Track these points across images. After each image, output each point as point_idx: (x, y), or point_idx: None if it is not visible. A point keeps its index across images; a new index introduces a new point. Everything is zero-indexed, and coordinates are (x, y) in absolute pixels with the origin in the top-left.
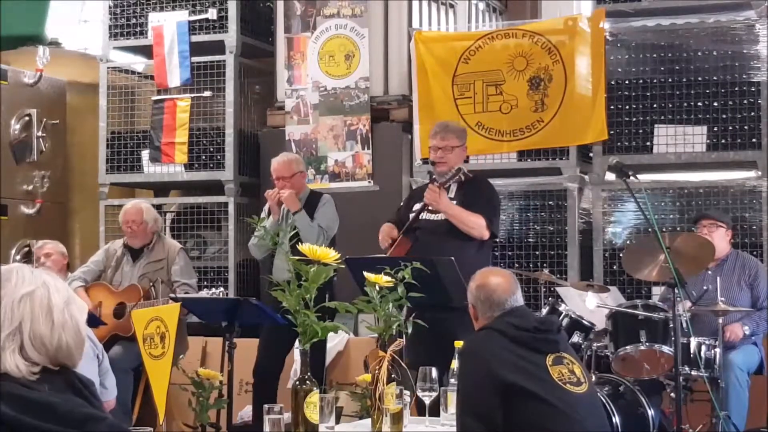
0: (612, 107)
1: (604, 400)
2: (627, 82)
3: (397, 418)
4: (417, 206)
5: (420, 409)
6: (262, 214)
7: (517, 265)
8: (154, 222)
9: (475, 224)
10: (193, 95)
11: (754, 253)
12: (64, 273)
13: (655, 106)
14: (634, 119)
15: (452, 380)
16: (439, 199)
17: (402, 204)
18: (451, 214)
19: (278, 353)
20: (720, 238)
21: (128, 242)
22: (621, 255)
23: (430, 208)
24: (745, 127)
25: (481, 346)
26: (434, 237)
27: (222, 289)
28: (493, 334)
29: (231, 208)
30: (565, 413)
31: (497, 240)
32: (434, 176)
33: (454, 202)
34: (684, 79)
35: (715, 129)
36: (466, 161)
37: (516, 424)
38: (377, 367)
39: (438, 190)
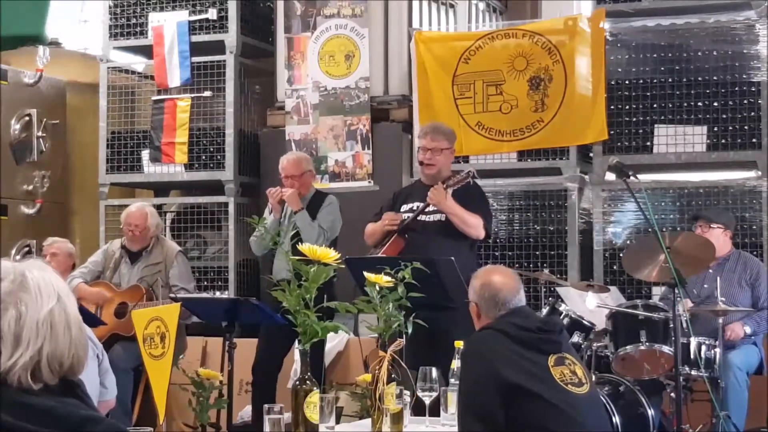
0: (612, 107)
1: (605, 400)
2: (627, 82)
3: (397, 418)
4: (414, 206)
5: (420, 408)
6: (265, 214)
7: (517, 265)
8: (156, 227)
9: (474, 224)
10: (193, 95)
11: (755, 253)
12: (67, 274)
13: (655, 106)
14: (634, 119)
15: (452, 380)
16: (443, 199)
17: (383, 206)
18: (454, 213)
19: (277, 352)
20: (715, 239)
21: (127, 245)
22: (621, 255)
23: (429, 209)
24: (745, 127)
25: (484, 346)
26: (427, 237)
27: (226, 293)
28: (495, 334)
29: (231, 208)
30: (566, 414)
31: (496, 240)
32: (421, 178)
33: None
34: (684, 79)
35: (715, 129)
36: (466, 161)
37: (517, 424)
38: (377, 367)
39: (443, 190)
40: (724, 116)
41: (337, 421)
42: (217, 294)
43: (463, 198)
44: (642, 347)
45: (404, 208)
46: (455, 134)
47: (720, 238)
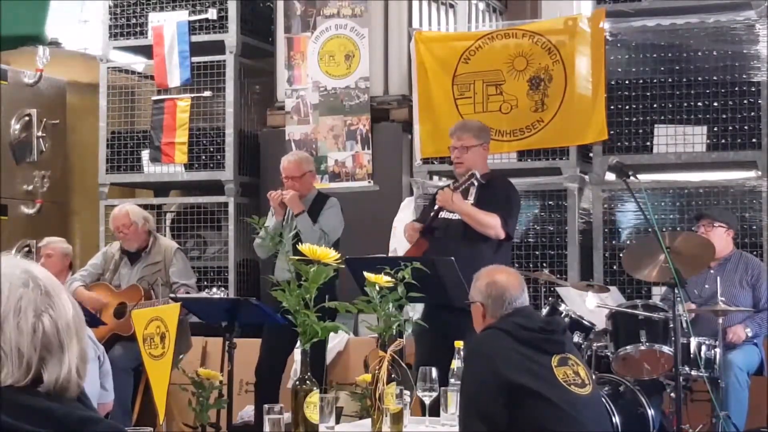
0: (612, 107)
1: (605, 400)
2: (627, 82)
3: (397, 418)
4: (437, 207)
5: (420, 408)
6: (268, 216)
7: (517, 265)
8: (144, 221)
9: (490, 224)
10: (193, 95)
11: (754, 253)
12: (65, 274)
13: (655, 106)
14: (634, 119)
15: (452, 380)
16: (450, 201)
17: (425, 205)
18: (464, 213)
19: (280, 353)
20: (718, 238)
21: (124, 246)
22: (621, 255)
23: (443, 211)
24: (745, 127)
25: (487, 346)
26: (452, 237)
27: (222, 288)
28: (499, 334)
29: (231, 208)
30: (568, 414)
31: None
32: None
33: (470, 201)
34: (684, 79)
35: (715, 129)
36: None
37: (520, 424)
38: (377, 367)
39: (450, 191)
40: (724, 116)
41: (337, 421)
42: (214, 290)
43: (488, 196)
44: (642, 347)
45: (437, 206)
46: (486, 129)
47: (723, 238)
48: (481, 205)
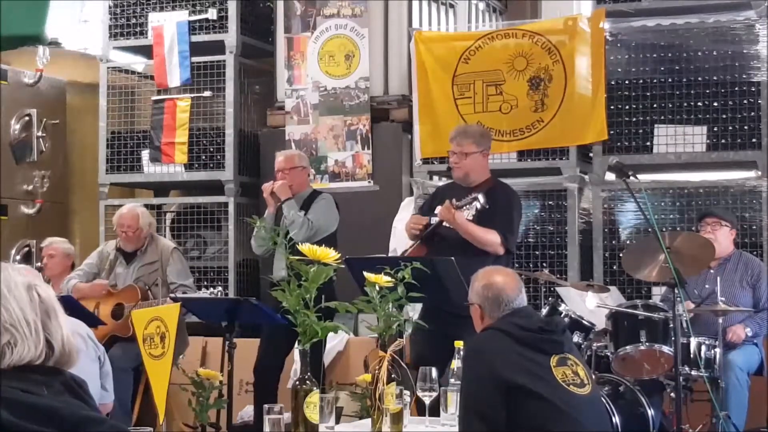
0: (612, 107)
1: (605, 400)
2: (627, 82)
3: (397, 418)
4: (438, 215)
5: (420, 409)
6: (265, 214)
7: (517, 265)
8: (149, 226)
9: (489, 242)
10: (193, 95)
11: (755, 253)
12: (67, 273)
13: (655, 106)
14: (634, 119)
15: (452, 380)
16: (453, 219)
17: (425, 202)
18: (466, 232)
19: (279, 352)
20: (723, 237)
21: (121, 246)
22: (621, 255)
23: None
24: (745, 127)
25: (485, 347)
26: (452, 244)
27: (220, 288)
28: (497, 335)
29: (231, 208)
30: (567, 414)
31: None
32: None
33: (472, 213)
34: (684, 79)
35: (715, 129)
36: None
37: (519, 424)
38: (377, 367)
39: (452, 209)
40: (724, 116)
41: (337, 421)
42: (218, 289)
43: (490, 208)
44: (642, 347)
45: (438, 208)
46: (488, 135)
47: (727, 237)
48: (483, 218)
